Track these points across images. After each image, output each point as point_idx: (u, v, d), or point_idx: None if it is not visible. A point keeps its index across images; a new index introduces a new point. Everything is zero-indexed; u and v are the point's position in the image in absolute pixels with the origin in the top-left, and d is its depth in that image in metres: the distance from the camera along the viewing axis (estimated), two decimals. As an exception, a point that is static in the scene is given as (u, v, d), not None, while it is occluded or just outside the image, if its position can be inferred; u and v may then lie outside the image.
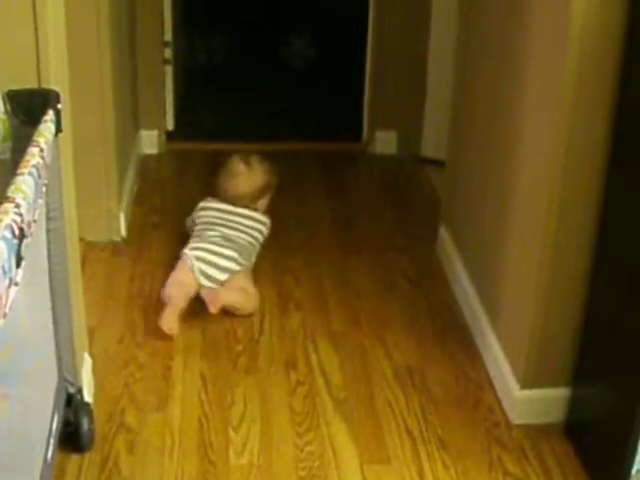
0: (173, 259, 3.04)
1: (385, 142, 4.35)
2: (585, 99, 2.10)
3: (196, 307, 2.89)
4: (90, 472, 2.20)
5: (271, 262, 3.25)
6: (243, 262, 3.00)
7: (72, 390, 2.21)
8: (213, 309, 2.80)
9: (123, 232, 3.39)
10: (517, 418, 2.44)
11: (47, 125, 1.78)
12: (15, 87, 1.88)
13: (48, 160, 1.71)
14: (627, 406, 2.06)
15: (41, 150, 1.64)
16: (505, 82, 2.59)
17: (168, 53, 4.25)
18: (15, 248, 1.28)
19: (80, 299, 2.41)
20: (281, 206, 3.63)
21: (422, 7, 4.06)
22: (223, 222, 3.14)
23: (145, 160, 4.16)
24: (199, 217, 3.19)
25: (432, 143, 4.17)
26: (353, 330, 2.86)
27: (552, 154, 2.18)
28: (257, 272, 3.16)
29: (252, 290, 2.97)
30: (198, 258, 2.94)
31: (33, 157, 1.59)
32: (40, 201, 1.60)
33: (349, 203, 3.84)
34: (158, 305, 2.93)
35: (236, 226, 3.13)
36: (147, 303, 2.95)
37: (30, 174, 1.51)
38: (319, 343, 2.78)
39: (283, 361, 2.69)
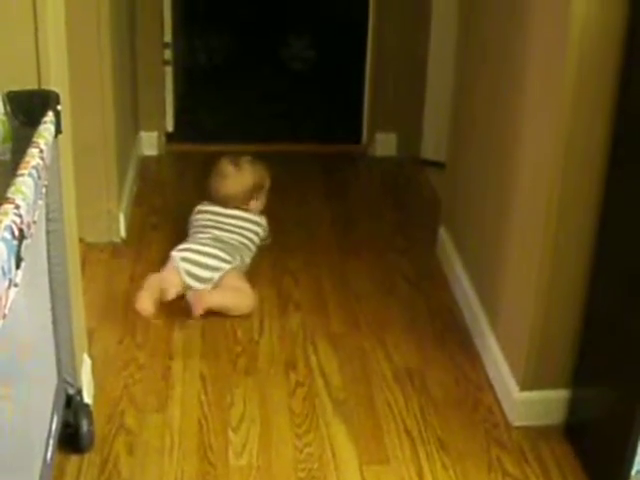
0: (173, 260, 3.04)
1: (385, 144, 4.35)
2: (585, 101, 2.10)
3: (196, 308, 2.89)
4: (90, 473, 2.20)
5: (271, 263, 3.25)
6: (233, 262, 3.00)
7: (72, 391, 2.21)
8: (195, 312, 2.81)
9: (123, 233, 3.39)
10: (517, 419, 2.44)
11: (47, 126, 1.78)
12: (15, 88, 1.88)
13: (48, 161, 1.71)
14: (627, 407, 2.06)
15: (41, 151, 1.64)
16: (505, 84, 2.59)
17: (168, 54, 4.25)
18: (15, 249, 1.28)
19: (80, 300, 2.42)
20: (281, 207, 3.63)
21: (422, 9, 4.06)
22: (215, 224, 3.17)
23: (145, 161, 4.17)
24: (195, 220, 3.22)
25: (432, 145, 4.17)
26: (353, 331, 2.86)
27: (552, 156, 2.18)
28: (257, 273, 3.17)
29: (246, 289, 2.97)
30: (184, 259, 2.98)
31: (33, 158, 1.59)
32: (40, 202, 1.60)
33: (349, 205, 3.84)
34: (158, 306, 2.93)
35: (228, 227, 3.15)
36: (147, 304, 2.95)
37: (30, 175, 1.51)
38: (319, 344, 2.78)
39: (283, 362, 2.69)
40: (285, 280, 3.17)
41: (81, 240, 2.65)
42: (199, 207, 3.25)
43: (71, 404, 2.21)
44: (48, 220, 1.94)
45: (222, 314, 2.88)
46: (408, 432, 2.40)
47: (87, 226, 3.04)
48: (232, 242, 3.09)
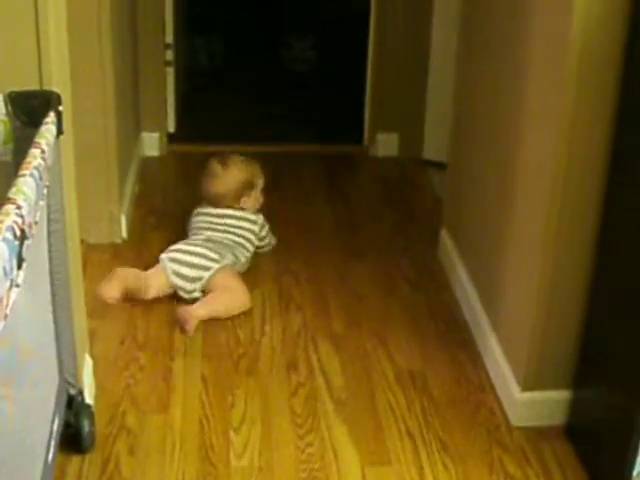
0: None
1: (386, 144, 4.35)
2: (587, 102, 2.10)
3: (197, 309, 2.89)
4: (91, 474, 2.20)
5: (272, 264, 3.25)
6: (223, 260, 3.00)
7: (73, 392, 2.21)
8: (189, 329, 2.79)
9: (124, 234, 3.39)
10: (518, 420, 2.44)
11: (48, 127, 1.78)
12: (16, 88, 1.88)
13: (49, 162, 1.71)
14: (628, 408, 2.06)
15: (42, 152, 1.64)
16: (506, 84, 2.59)
17: (169, 55, 4.26)
18: (16, 249, 1.28)
19: (81, 301, 2.42)
20: (282, 208, 3.64)
21: (424, 10, 4.06)
22: (209, 226, 3.18)
23: (146, 162, 4.17)
24: (193, 222, 3.25)
25: (434, 145, 4.17)
26: (354, 332, 2.86)
27: (553, 157, 2.18)
28: (258, 273, 3.17)
29: (238, 288, 2.97)
30: (172, 259, 3.00)
31: (34, 159, 1.59)
32: (41, 203, 1.60)
33: (350, 205, 3.84)
34: (159, 306, 2.94)
35: (220, 227, 3.17)
36: (148, 305, 2.95)
37: (31, 176, 1.51)
38: (320, 345, 2.78)
39: (284, 363, 2.69)
40: (286, 280, 3.17)
41: (82, 241, 2.65)
42: (198, 209, 3.26)
43: (72, 404, 2.21)
44: (49, 221, 1.94)
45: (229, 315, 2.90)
46: (409, 433, 2.40)
47: (88, 227, 3.05)
48: (224, 241, 3.10)
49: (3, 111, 1.87)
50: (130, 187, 3.67)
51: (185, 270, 2.96)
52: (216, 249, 3.03)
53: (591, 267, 2.26)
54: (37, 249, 1.80)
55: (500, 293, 2.63)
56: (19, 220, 1.32)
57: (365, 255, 3.37)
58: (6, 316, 1.23)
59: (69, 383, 2.19)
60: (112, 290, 2.90)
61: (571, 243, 2.25)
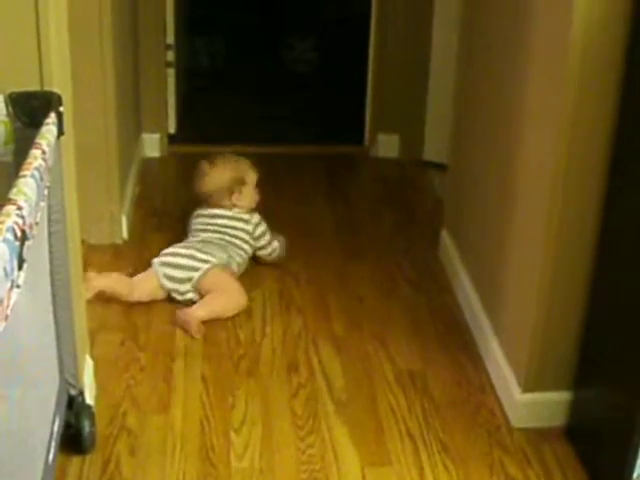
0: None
1: (387, 145, 4.35)
2: (587, 103, 2.10)
3: (198, 310, 2.89)
4: (91, 474, 2.20)
5: (272, 264, 3.25)
6: (213, 260, 3.00)
7: (74, 392, 2.21)
8: (194, 333, 2.79)
9: (125, 235, 3.39)
10: (519, 421, 2.44)
11: (49, 127, 1.78)
12: (17, 89, 1.88)
13: (50, 162, 1.71)
14: (628, 409, 2.06)
15: (43, 152, 1.64)
16: (507, 86, 2.59)
17: (170, 56, 4.26)
18: (17, 250, 1.28)
19: (82, 301, 2.42)
20: (283, 209, 3.64)
21: (424, 11, 4.07)
22: (204, 227, 3.19)
23: (147, 163, 4.17)
24: (191, 224, 3.25)
25: (434, 146, 4.17)
26: (355, 333, 2.86)
27: (554, 158, 2.18)
28: (258, 274, 3.17)
29: (232, 288, 2.97)
30: (162, 263, 3.00)
31: (35, 159, 1.59)
32: (42, 203, 1.60)
33: (351, 206, 3.84)
34: (160, 307, 2.94)
35: (213, 228, 3.17)
36: (149, 305, 2.95)
37: (32, 176, 1.51)
38: (321, 346, 2.78)
39: (285, 364, 2.69)
40: (287, 281, 3.17)
41: (83, 241, 2.65)
42: (198, 211, 3.26)
43: (73, 405, 2.21)
44: (50, 221, 1.94)
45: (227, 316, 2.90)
46: (410, 434, 2.40)
47: (89, 227, 3.05)
48: (216, 242, 3.10)
49: (4, 112, 1.87)
50: (131, 188, 3.67)
51: (174, 272, 2.97)
52: (206, 249, 3.04)
53: (591, 268, 2.26)
54: (38, 250, 1.80)
55: (501, 294, 2.63)
56: (20, 221, 1.32)
57: (366, 256, 3.37)
58: (7, 317, 1.22)
59: (70, 384, 2.19)
60: (94, 281, 2.91)
61: (571, 244, 2.25)
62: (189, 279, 2.95)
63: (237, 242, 3.14)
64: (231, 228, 3.16)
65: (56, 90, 1.92)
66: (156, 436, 2.35)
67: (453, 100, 3.27)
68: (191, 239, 3.15)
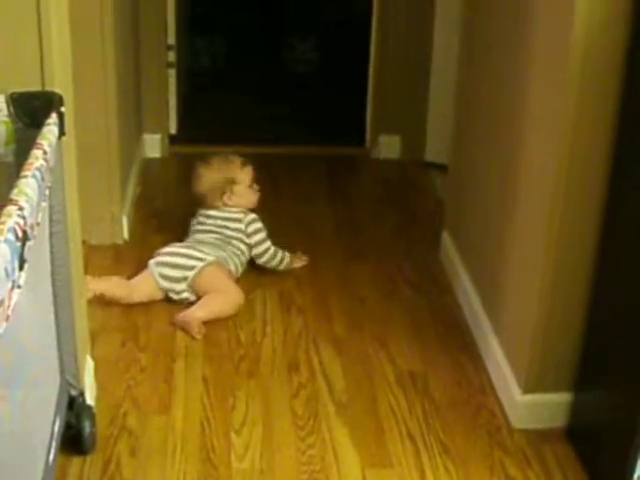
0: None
1: (388, 146, 4.35)
2: (589, 105, 2.10)
3: (198, 310, 2.89)
4: (92, 475, 2.20)
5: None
6: (207, 258, 3.00)
7: (74, 393, 2.21)
8: (195, 334, 2.79)
9: (126, 235, 3.39)
10: (519, 423, 2.44)
11: (50, 128, 1.78)
12: (19, 89, 1.88)
13: (51, 163, 1.71)
14: (629, 410, 2.06)
15: (44, 153, 1.64)
16: (508, 87, 2.59)
17: (171, 56, 4.26)
18: (18, 251, 1.28)
19: (83, 302, 2.42)
20: (284, 210, 3.64)
21: (426, 11, 4.07)
22: (201, 227, 3.20)
23: (148, 163, 4.17)
24: (191, 225, 3.26)
25: (435, 148, 4.17)
26: (355, 334, 2.86)
27: (555, 159, 2.18)
28: (259, 275, 3.17)
29: (228, 287, 2.97)
30: (158, 263, 3.01)
31: (36, 160, 1.59)
32: (43, 204, 1.60)
33: (352, 207, 3.84)
34: (160, 308, 2.94)
35: (208, 228, 3.18)
36: (149, 306, 2.95)
37: (33, 177, 1.51)
38: (321, 347, 2.78)
39: (285, 365, 2.69)
40: (288, 282, 3.17)
41: (84, 242, 2.66)
42: (198, 212, 3.26)
43: (74, 406, 2.21)
44: (51, 222, 1.94)
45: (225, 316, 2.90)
46: (410, 435, 2.40)
47: (90, 228, 3.05)
48: (212, 241, 3.11)
49: (5, 112, 1.87)
50: (132, 188, 3.67)
51: (170, 271, 2.97)
52: (201, 248, 3.04)
53: (592, 269, 2.26)
54: (39, 250, 1.80)
55: (501, 295, 2.63)
56: (21, 221, 1.32)
57: (367, 257, 3.37)
58: (8, 317, 1.23)
59: (70, 384, 2.19)
60: (97, 284, 2.92)
61: (572, 245, 2.24)
62: (184, 278, 2.95)
63: (233, 242, 3.14)
64: (225, 228, 3.16)
65: (57, 90, 1.92)
66: (157, 437, 2.35)
67: (454, 101, 3.27)
68: (188, 239, 3.16)
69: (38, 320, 1.89)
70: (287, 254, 3.22)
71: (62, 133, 1.89)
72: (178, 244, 3.11)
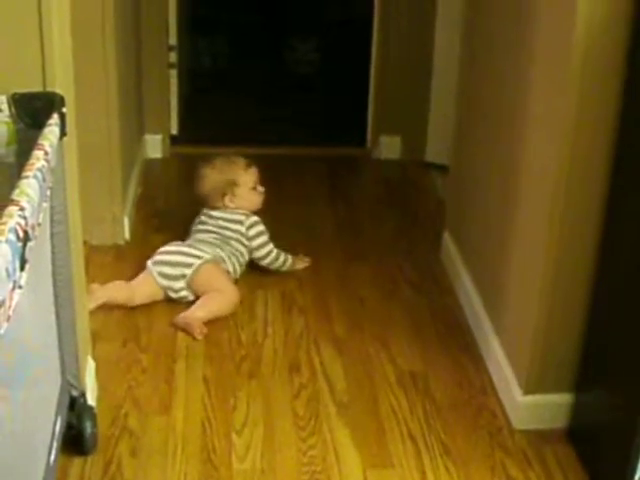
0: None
1: (389, 147, 4.35)
2: (590, 105, 2.10)
3: (199, 311, 2.89)
4: (93, 475, 2.20)
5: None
6: (206, 256, 3.00)
7: (75, 393, 2.21)
8: (198, 335, 2.79)
9: (127, 236, 3.40)
10: (520, 423, 2.44)
11: (52, 128, 1.78)
12: (20, 90, 1.88)
13: (53, 163, 1.71)
14: (630, 411, 2.06)
15: (46, 153, 1.64)
16: (509, 88, 2.59)
17: (173, 57, 4.26)
18: (19, 251, 1.28)
19: (84, 302, 2.42)
20: (285, 210, 3.64)
21: (427, 12, 4.07)
22: (202, 227, 3.20)
23: (149, 164, 4.17)
24: (193, 225, 3.25)
25: (436, 148, 4.17)
26: (356, 335, 2.86)
27: (556, 160, 2.18)
28: (260, 276, 3.17)
29: (225, 286, 2.97)
30: (155, 262, 3.01)
31: (38, 160, 1.59)
32: (44, 204, 1.60)
33: (353, 208, 3.84)
34: (161, 308, 2.94)
35: (210, 228, 3.18)
36: (150, 307, 2.95)
37: (35, 177, 1.51)
38: (322, 347, 2.78)
39: (286, 365, 2.69)
40: (289, 283, 3.17)
41: (85, 242, 2.66)
42: (200, 211, 3.26)
43: (75, 406, 2.21)
44: (53, 222, 1.94)
45: (224, 317, 2.90)
46: (411, 436, 2.40)
47: (91, 228, 3.05)
48: (211, 240, 3.11)
49: (6, 113, 1.87)
50: (133, 189, 3.67)
51: (168, 269, 2.97)
52: (199, 246, 3.05)
53: (593, 270, 2.26)
54: (40, 250, 1.80)
55: (502, 295, 2.63)
56: (22, 222, 1.33)
57: (367, 258, 3.37)
58: (9, 318, 1.23)
59: (71, 385, 2.19)
60: (100, 293, 2.92)
61: (573, 246, 2.24)
62: (183, 276, 2.96)
63: (232, 243, 3.13)
64: (226, 229, 3.16)
65: (59, 91, 1.93)
66: (158, 437, 2.35)
67: (455, 102, 3.27)
68: (189, 238, 3.17)
69: (39, 320, 1.89)
70: (289, 256, 3.22)
71: (63, 134, 1.89)
72: (176, 243, 3.11)
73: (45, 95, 1.91)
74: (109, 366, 2.62)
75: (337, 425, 2.43)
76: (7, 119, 1.87)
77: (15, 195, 1.41)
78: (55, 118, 1.83)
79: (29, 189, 1.45)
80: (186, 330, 2.81)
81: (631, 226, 2.07)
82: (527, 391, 2.41)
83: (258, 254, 3.18)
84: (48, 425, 1.95)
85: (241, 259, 3.14)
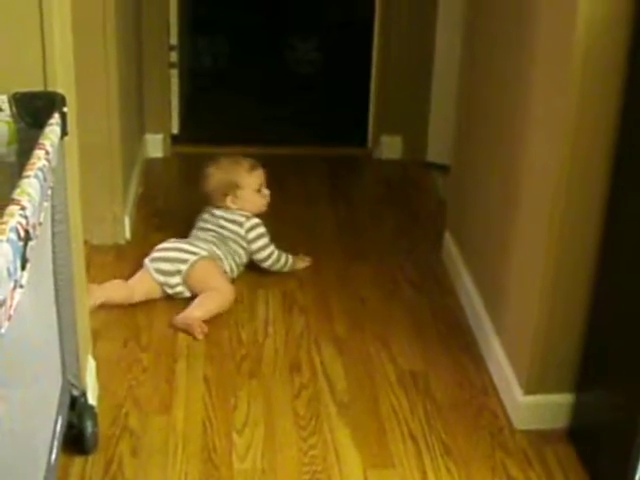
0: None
1: (390, 147, 4.35)
2: (590, 105, 2.10)
3: (200, 310, 2.89)
4: (94, 475, 2.20)
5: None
6: (202, 252, 3.01)
7: (76, 393, 2.21)
8: (199, 335, 2.79)
9: (128, 235, 3.40)
10: (521, 423, 2.44)
11: (53, 128, 1.78)
12: (21, 90, 1.88)
13: (54, 163, 1.71)
14: (631, 411, 2.06)
15: (47, 153, 1.64)
16: (510, 88, 2.59)
17: (174, 57, 4.26)
18: (20, 250, 1.28)
19: (85, 302, 2.42)
20: (286, 210, 3.63)
21: (428, 13, 4.07)
22: (203, 225, 3.20)
23: (150, 163, 4.17)
24: (195, 223, 3.25)
25: (437, 148, 4.17)
26: (357, 334, 2.86)
27: (557, 160, 2.18)
28: (261, 275, 3.17)
29: (220, 284, 2.98)
30: (152, 259, 3.03)
31: (39, 160, 1.59)
32: (45, 204, 1.60)
33: (354, 207, 3.84)
34: (162, 308, 2.94)
35: (210, 226, 3.18)
36: (151, 306, 2.95)
37: (36, 177, 1.51)
38: (323, 347, 2.78)
39: (287, 365, 2.69)
40: (290, 282, 3.17)
41: (86, 242, 2.66)
42: (206, 208, 3.26)
43: (75, 406, 2.21)
44: (53, 222, 1.94)
45: (224, 317, 2.90)
46: (412, 436, 2.40)
47: (92, 228, 3.05)
48: (210, 238, 3.12)
49: (7, 112, 1.87)
50: (134, 188, 3.67)
51: (164, 265, 2.98)
52: (196, 243, 3.06)
53: (593, 270, 2.26)
54: (41, 250, 1.80)
55: (503, 296, 2.63)
56: (23, 221, 1.33)
57: (368, 257, 3.37)
58: (10, 317, 1.23)
59: (72, 384, 2.19)
60: (97, 293, 2.91)
61: (574, 246, 2.24)
62: (178, 271, 2.96)
63: (230, 243, 3.13)
64: (225, 229, 3.16)
65: (60, 91, 1.93)
66: (158, 437, 2.35)
67: (456, 102, 3.27)
68: (190, 235, 3.18)
69: (40, 320, 1.89)
70: (290, 256, 3.22)
71: (64, 133, 1.89)
72: (173, 239, 3.12)
73: (46, 94, 1.91)
74: (110, 365, 2.62)
75: (338, 425, 2.43)
76: (8, 118, 1.87)
77: (16, 194, 1.41)
78: (56, 117, 1.83)
79: (30, 188, 1.45)
80: (187, 331, 2.81)
81: (631, 226, 2.07)
82: (528, 391, 2.41)
83: (259, 257, 3.18)
84: (49, 424, 1.95)
85: (238, 260, 3.14)
